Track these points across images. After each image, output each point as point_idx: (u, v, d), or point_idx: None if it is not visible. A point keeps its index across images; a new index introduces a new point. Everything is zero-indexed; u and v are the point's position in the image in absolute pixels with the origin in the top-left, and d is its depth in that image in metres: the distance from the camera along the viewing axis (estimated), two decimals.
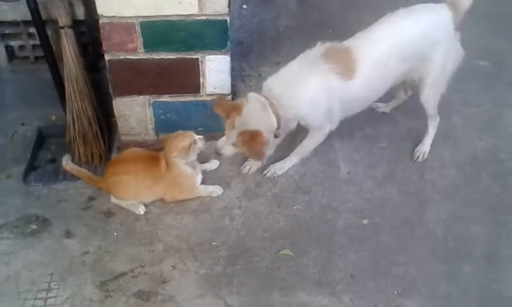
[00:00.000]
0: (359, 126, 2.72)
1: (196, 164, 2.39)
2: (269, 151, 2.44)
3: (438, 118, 2.60)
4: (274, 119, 2.22)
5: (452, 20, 2.36)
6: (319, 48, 2.29)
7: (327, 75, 2.24)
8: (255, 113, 2.20)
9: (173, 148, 2.25)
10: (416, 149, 2.61)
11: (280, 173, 2.51)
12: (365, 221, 2.30)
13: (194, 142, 2.26)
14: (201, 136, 2.30)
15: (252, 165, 2.53)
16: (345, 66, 2.25)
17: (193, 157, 2.31)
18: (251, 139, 2.14)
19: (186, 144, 2.24)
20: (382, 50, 2.30)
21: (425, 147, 2.61)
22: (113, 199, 2.35)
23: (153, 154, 2.38)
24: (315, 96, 2.27)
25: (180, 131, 2.30)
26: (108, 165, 2.41)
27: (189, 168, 2.32)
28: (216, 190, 2.42)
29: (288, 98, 2.25)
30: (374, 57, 2.29)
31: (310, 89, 2.25)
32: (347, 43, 2.33)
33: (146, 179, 2.31)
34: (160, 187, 2.33)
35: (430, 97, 2.49)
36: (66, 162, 2.42)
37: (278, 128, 2.27)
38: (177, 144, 2.24)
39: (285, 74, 2.31)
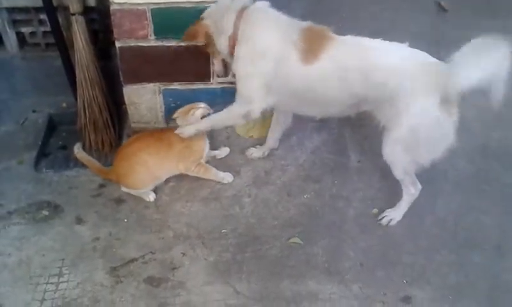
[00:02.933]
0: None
1: (205, 133, 2.40)
2: (217, 68, 2.36)
3: (413, 191, 2.21)
4: (230, 26, 2.11)
5: (437, 95, 1.93)
6: (304, 24, 2.10)
7: (289, 45, 2.05)
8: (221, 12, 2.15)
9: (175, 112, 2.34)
10: (386, 211, 2.27)
11: None
12: (375, 210, 2.30)
13: (197, 107, 2.32)
14: (207, 106, 2.34)
15: (254, 152, 2.54)
16: (311, 50, 2.04)
17: (194, 120, 2.31)
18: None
19: (186, 109, 2.32)
20: (349, 56, 2.03)
21: (394, 215, 2.25)
22: (123, 187, 2.36)
23: (159, 132, 2.42)
24: (265, 52, 2.09)
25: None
26: (116, 154, 2.41)
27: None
28: (226, 177, 2.43)
29: (247, 29, 2.10)
30: (339, 58, 2.03)
31: (266, 40, 2.09)
32: (333, 34, 2.08)
33: (156, 154, 2.31)
34: (172, 160, 2.34)
35: (393, 157, 2.10)
36: (78, 150, 2.43)
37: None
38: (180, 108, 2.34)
39: (267, 15, 2.13)
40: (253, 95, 2.17)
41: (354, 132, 2.66)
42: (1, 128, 2.68)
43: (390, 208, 2.29)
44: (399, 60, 2.01)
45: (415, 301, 1.99)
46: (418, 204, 2.31)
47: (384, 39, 2.07)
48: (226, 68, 2.34)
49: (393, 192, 2.36)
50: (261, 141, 2.60)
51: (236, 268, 2.08)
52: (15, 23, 3.03)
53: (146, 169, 2.30)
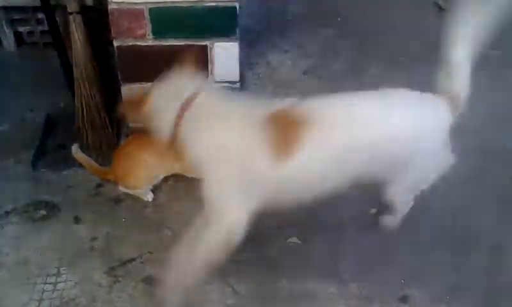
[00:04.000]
0: None
1: None
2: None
3: (412, 202, 2.10)
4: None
5: (448, 120, 1.77)
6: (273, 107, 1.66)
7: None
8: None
9: None
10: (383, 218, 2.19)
11: None
12: (373, 210, 2.30)
13: None
14: None
15: None
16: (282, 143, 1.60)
17: None
18: None
19: None
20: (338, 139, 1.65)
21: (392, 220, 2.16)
22: (121, 187, 2.35)
23: None
24: (226, 149, 1.64)
25: None
26: (115, 154, 2.41)
27: None
28: None
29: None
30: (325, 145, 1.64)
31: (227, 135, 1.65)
32: (306, 111, 1.66)
33: (155, 153, 2.29)
34: (170, 160, 2.33)
35: (397, 201, 2.02)
36: (76, 151, 2.42)
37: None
38: None
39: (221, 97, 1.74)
40: (227, 206, 1.73)
41: None
42: None
43: (388, 207, 2.29)
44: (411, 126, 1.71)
45: (413, 301, 1.99)
46: (416, 203, 2.31)
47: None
48: None
49: None
50: None
51: (234, 268, 2.07)
52: (12, 22, 3.02)
53: (146, 169, 2.29)
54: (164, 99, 1.74)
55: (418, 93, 1.75)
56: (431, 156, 1.80)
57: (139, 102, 1.77)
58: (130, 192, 2.34)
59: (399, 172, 1.81)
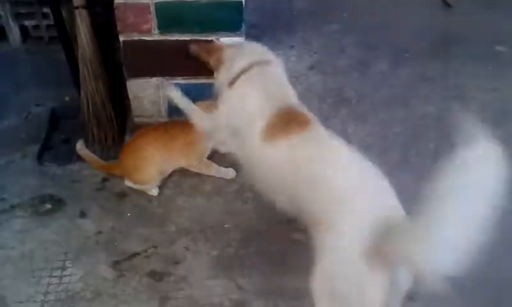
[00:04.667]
0: (373, 110, 2.70)
1: None
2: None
3: None
4: (235, 72, 2.00)
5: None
6: (285, 103, 1.89)
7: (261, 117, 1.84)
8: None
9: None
10: None
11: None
12: None
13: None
14: None
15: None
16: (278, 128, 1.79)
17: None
18: None
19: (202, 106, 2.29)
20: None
21: None
22: (127, 182, 2.36)
23: (163, 126, 2.42)
24: (242, 110, 1.94)
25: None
26: (122, 149, 2.41)
27: None
28: (228, 172, 2.42)
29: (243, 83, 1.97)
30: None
31: (249, 101, 1.92)
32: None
33: (163, 148, 2.31)
34: (176, 155, 2.34)
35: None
36: (80, 147, 2.42)
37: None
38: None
39: (265, 79, 1.99)
40: (220, 127, 2.06)
41: (358, 127, 2.65)
42: (4, 122, 2.67)
43: None
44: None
45: (418, 298, 1.99)
46: (420, 200, 2.30)
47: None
48: None
49: (396, 189, 2.36)
50: None
51: (239, 263, 2.08)
52: (18, 16, 3.03)
53: (154, 164, 2.30)
54: (233, 56, 2.06)
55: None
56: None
57: (213, 49, 2.19)
58: (136, 187, 2.34)
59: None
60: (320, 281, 1.57)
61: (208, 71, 2.45)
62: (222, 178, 2.42)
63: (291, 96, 1.96)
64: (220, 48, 2.17)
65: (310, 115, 1.86)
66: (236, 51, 2.10)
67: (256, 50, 2.09)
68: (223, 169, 2.43)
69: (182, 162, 2.37)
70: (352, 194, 1.55)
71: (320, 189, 1.60)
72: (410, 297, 1.96)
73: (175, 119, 2.42)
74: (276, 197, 1.84)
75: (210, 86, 2.50)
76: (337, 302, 1.52)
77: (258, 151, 1.83)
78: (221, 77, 2.09)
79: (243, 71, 1.98)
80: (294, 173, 1.70)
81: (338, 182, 1.59)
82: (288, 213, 1.81)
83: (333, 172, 1.61)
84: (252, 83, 1.97)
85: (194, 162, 2.37)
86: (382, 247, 1.37)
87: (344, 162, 1.67)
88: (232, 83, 2.00)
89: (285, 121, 1.79)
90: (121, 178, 2.36)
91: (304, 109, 1.89)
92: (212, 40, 2.31)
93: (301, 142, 1.73)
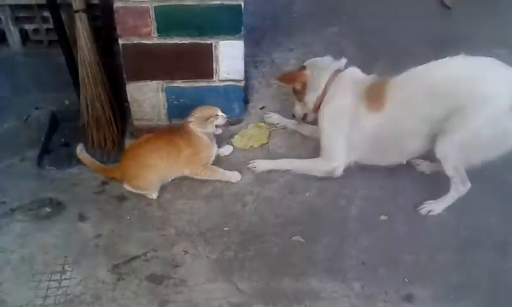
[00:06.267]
0: None
1: (213, 138, 2.42)
2: (297, 112, 2.54)
3: (462, 188, 2.21)
4: (321, 86, 2.37)
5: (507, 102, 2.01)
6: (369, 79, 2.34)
7: (358, 101, 2.26)
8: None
9: (192, 114, 2.32)
10: (426, 202, 2.30)
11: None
12: (384, 217, 2.28)
13: (215, 116, 2.31)
14: (224, 115, 2.35)
15: (258, 165, 2.48)
16: (376, 99, 2.22)
17: (211, 129, 2.34)
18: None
19: (205, 115, 2.32)
20: (412, 85, 2.20)
21: (435, 207, 2.28)
22: (126, 186, 2.36)
23: (167, 133, 2.41)
24: (342, 111, 2.30)
25: (207, 105, 2.37)
26: (123, 153, 2.41)
27: (206, 137, 2.36)
28: (234, 176, 2.42)
29: (334, 91, 2.35)
30: (403, 93, 2.19)
31: (344, 101, 2.31)
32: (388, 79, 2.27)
33: (167, 157, 2.31)
34: (180, 164, 2.34)
35: (448, 156, 2.14)
36: (80, 151, 2.42)
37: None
38: (196, 112, 2.32)
39: (352, 80, 2.36)
40: (336, 153, 2.35)
41: None
42: (4, 125, 2.68)
43: (393, 206, 2.29)
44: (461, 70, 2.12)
45: (417, 300, 1.99)
46: (420, 202, 2.31)
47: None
48: (305, 117, 2.56)
49: (396, 191, 2.36)
50: (263, 150, 2.60)
51: (238, 266, 2.08)
52: (17, 20, 3.04)
53: (156, 172, 2.30)
54: (316, 74, 2.39)
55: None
56: (493, 121, 2.03)
57: (294, 75, 2.46)
58: (135, 190, 2.34)
59: (456, 119, 2.06)
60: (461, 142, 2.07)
61: (207, 73, 2.48)
62: (221, 181, 2.42)
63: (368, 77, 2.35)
64: (301, 73, 2.42)
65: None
66: (314, 71, 2.40)
67: (327, 62, 2.43)
68: (228, 172, 2.43)
69: (185, 171, 2.37)
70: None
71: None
72: (408, 298, 1.98)
73: (178, 127, 2.41)
74: (408, 145, 2.26)
75: (210, 88, 2.52)
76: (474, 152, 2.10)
77: (372, 123, 2.22)
78: (310, 97, 2.41)
79: (326, 86, 2.36)
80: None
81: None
82: (420, 153, 2.29)
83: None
84: (341, 89, 2.32)
85: (199, 170, 2.38)
86: None
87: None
88: (322, 97, 2.36)
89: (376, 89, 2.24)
90: (121, 181, 2.36)
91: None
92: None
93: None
